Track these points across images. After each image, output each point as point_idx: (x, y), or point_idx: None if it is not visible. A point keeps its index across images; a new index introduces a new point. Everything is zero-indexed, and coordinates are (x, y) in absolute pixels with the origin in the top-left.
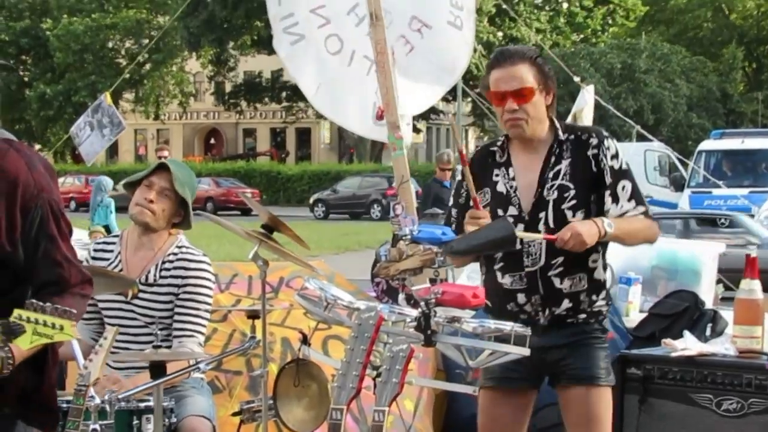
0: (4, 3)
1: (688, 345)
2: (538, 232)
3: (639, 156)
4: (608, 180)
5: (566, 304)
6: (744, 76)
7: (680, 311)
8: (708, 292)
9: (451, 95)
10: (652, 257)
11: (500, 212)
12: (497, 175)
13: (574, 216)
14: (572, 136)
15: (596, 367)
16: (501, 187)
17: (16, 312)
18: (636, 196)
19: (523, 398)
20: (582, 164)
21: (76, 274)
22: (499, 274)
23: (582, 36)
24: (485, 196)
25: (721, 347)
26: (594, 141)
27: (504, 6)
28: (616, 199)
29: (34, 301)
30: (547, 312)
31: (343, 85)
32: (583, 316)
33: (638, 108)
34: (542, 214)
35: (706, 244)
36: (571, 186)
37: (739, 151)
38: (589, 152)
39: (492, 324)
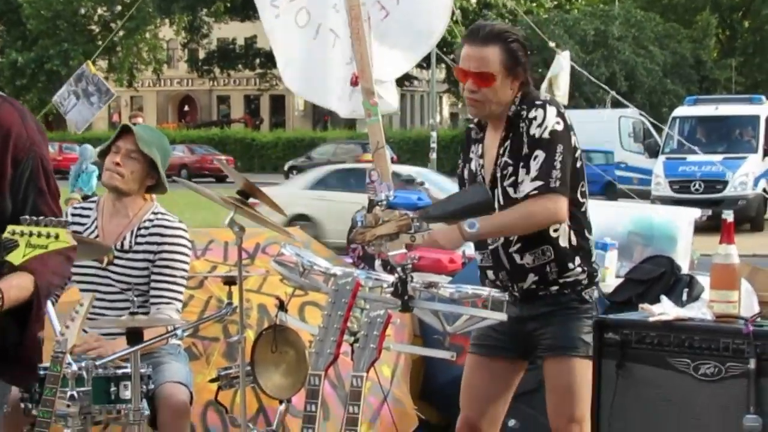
0: None
1: (665, 310)
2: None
3: (613, 122)
4: (524, 150)
5: (532, 278)
6: (717, 43)
7: (656, 276)
8: (684, 257)
9: (425, 62)
10: (628, 223)
11: None
12: (472, 152)
13: (515, 193)
14: (519, 110)
15: (569, 338)
16: (473, 164)
17: (9, 228)
18: (543, 168)
19: (506, 368)
20: (517, 138)
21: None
22: (475, 252)
23: (555, 3)
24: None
25: (698, 312)
26: (524, 112)
27: None
28: (528, 170)
29: (27, 216)
30: (515, 287)
31: (310, 59)
32: (555, 287)
33: (611, 75)
34: (496, 192)
35: (681, 209)
36: (511, 162)
37: (713, 117)
38: (522, 124)
39: (469, 289)
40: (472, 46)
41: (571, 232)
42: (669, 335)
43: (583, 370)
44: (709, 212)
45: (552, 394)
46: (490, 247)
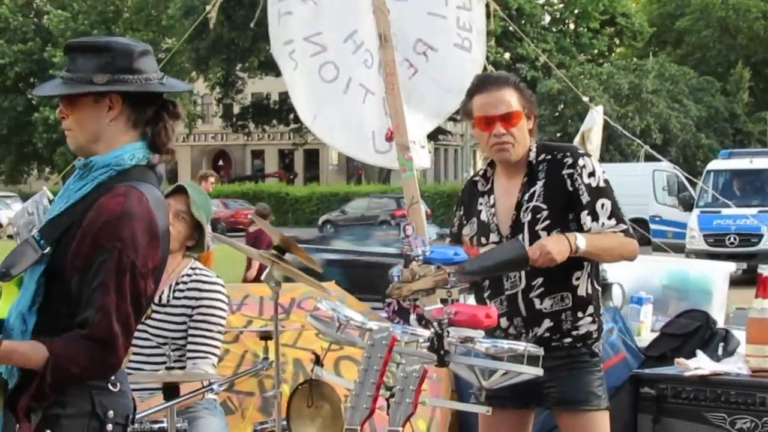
0: (9, 26)
1: (701, 364)
2: None
3: (647, 176)
4: (585, 199)
5: (546, 323)
6: (751, 96)
7: (692, 330)
8: (719, 311)
9: (458, 116)
10: (663, 276)
11: (483, 240)
12: (481, 204)
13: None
14: (548, 156)
15: (581, 393)
16: (483, 216)
17: None
18: (616, 213)
19: (517, 418)
20: (556, 184)
21: (104, 331)
22: (487, 301)
23: (588, 57)
24: (472, 226)
25: (734, 366)
26: (569, 160)
27: (511, 27)
28: (595, 218)
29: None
30: (529, 334)
31: (340, 112)
32: (568, 339)
33: (645, 128)
34: (519, 237)
35: (717, 263)
36: (544, 207)
37: (748, 170)
38: (564, 171)
39: (505, 344)
40: (487, 93)
41: (589, 281)
42: (705, 390)
43: (598, 422)
44: (744, 266)
45: None
46: (508, 293)
